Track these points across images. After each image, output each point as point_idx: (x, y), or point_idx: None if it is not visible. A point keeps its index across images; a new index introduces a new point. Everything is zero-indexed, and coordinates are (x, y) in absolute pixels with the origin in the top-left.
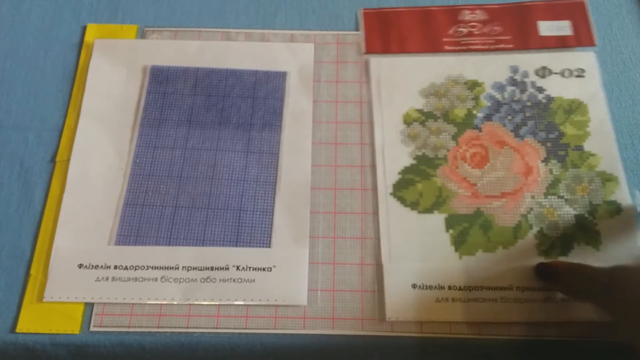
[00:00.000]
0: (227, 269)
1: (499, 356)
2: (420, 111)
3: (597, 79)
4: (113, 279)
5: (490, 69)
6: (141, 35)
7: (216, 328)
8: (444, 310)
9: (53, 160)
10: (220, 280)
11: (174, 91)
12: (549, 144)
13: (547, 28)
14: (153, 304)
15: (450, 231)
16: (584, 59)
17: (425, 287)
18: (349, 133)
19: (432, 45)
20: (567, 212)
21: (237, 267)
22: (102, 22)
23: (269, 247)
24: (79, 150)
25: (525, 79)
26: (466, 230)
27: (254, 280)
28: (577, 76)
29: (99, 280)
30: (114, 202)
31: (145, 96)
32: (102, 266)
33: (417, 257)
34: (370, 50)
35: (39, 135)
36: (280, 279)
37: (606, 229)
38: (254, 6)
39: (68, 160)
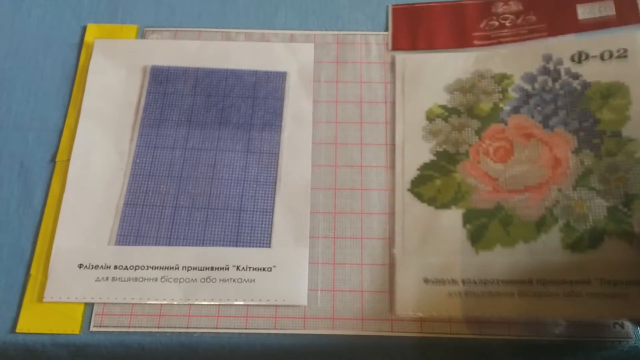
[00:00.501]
0: (227, 269)
1: (499, 356)
2: (444, 107)
3: None
4: (113, 279)
5: (520, 60)
6: (141, 35)
7: (216, 328)
8: (456, 305)
9: (53, 160)
10: (220, 280)
11: (174, 91)
12: (581, 133)
13: (587, 11)
14: (153, 304)
15: (468, 226)
16: (628, 38)
17: (437, 281)
18: (349, 133)
19: (461, 41)
20: (599, 204)
21: (237, 267)
22: (102, 22)
23: (269, 247)
24: (79, 150)
25: (559, 67)
26: (484, 225)
27: (254, 280)
28: (619, 57)
29: (99, 280)
30: (114, 202)
31: (145, 96)
32: (102, 266)
33: (431, 252)
34: (397, 47)
35: (39, 135)
36: (280, 279)
37: None
38: (254, 6)
39: (68, 160)
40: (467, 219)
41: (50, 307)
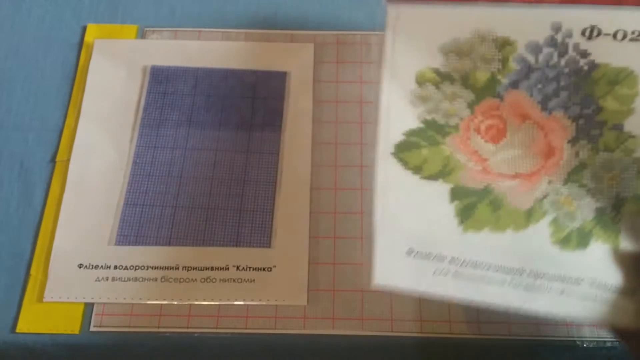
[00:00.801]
0: (227, 269)
1: (499, 356)
2: (436, 71)
3: None
4: (113, 279)
5: (527, 24)
6: (141, 35)
7: (216, 328)
8: (442, 285)
9: (53, 160)
10: (220, 280)
11: (174, 91)
12: (581, 121)
13: None
14: (153, 304)
15: (456, 202)
16: None
17: (422, 255)
18: (349, 133)
19: None
20: (588, 203)
21: (237, 267)
22: (102, 22)
23: (269, 247)
24: (79, 150)
25: (568, 40)
26: (473, 204)
27: (254, 280)
28: (633, 40)
29: (99, 280)
30: (114, 202)
31: (145, 96)
32: (102, 266)
33: (415, 221)
34: None
35: (39, 135)
36: (280, 279)
37: (629, 228)
38: (254, 6)
39: (68, 160)
40: (455, 195)
41: (50, 307)
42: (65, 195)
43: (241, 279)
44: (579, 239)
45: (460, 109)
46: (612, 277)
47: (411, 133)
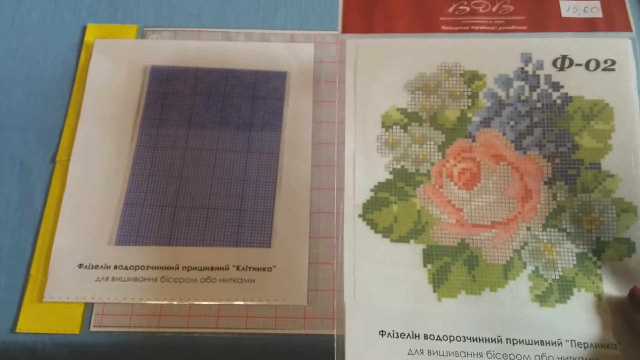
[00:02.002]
0: (227, 269)
1: None
2: (403, 111)
3: (630, 74)
4: (113, 279)
5: (496, 56)
6: (141, 35)
7: (216, 328)
8: None
9: (53, 160)
10: (220, 280)
11: (174, 91)
12: (556, 160)
13: (571, 8)
14: (153, 304)
15: (429, 266)
16: (616, 47)
17: (395, 335)
18: None
19: (426, 25)
20: (568, 249)
21: (237, 267)
22: (102, 22)
23: (269, 247)
24: (79, 150)
25: (539, 72)
26: (447, 266)
27: (254, 280)
28: (605, 69)
29: (99, 280)
30: (114, 202)
31: (145, 96)
32: (102, 266)
33: (387, 296)
34: (348, 29)
35: (39, 135)
36: (280, 279)
37: (611, 274)
38: (254, 6)
39: (68, 160)
40: (428, 257)
41: (50, 307)
42: (65, 195)
43: (241, 279)
44: (560, 293)
45: (431, 152)
46: (595, 332)
47: (379, 187)
